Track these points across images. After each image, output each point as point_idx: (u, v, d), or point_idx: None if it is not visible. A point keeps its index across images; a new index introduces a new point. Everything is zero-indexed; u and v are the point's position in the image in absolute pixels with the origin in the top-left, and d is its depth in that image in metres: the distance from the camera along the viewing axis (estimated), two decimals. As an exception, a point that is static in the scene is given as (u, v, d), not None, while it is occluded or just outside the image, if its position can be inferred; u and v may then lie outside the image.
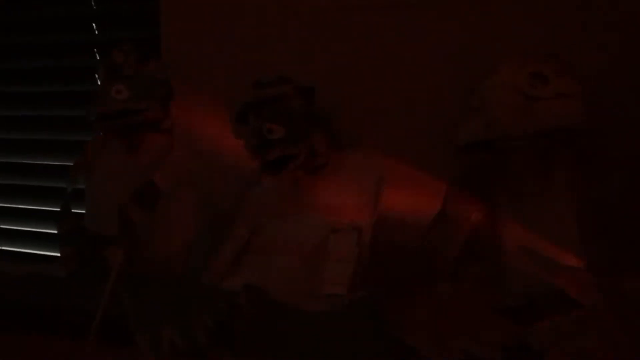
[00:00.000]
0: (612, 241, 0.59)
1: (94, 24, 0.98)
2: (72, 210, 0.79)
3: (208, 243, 0.74)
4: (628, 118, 0.66)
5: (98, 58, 0.99)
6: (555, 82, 0.59)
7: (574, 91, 0.59)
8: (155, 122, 0.77)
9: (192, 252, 0.75)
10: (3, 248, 1.13)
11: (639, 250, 0.61)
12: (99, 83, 0.80)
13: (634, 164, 0.65)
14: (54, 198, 1.04)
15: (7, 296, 0.76)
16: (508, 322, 0.57)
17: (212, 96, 0.84)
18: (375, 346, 0.57)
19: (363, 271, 0.63)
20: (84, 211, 0.82)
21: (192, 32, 0.86)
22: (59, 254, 0.77)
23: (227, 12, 0.83)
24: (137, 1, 0.94)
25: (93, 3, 0.98)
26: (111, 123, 0.74)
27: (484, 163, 0.66)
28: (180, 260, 0.74)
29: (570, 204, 0.61)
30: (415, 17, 0.74)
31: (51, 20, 1.02)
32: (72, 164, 0.82)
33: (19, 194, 1.11)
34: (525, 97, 0.59)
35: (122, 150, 0.79)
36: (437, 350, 0.55)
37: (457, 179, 0.68)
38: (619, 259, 0.59)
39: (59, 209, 0.80)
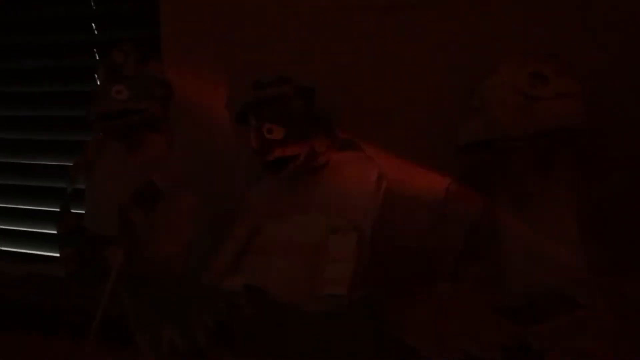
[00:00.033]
0: (612, 241, 0.59)
1: (93, 24, 0.98)
2: (72, 211, 0.79)
3: (208, 243, 0.74)
4: (628, 118, 0.66)
5: (97, 58, 0.99)
6: (555, 82, 0.59)
7: (574, 91, 0.59)
8: (155, 122, 0.77)
9: (192, 252, 0.75)
10: (3, 248, 1.13)
11: (639, 250, 0.61)
12: (99, 83, 0.80)
13: (634, 164, 0.65)
14: (53, 198, 1.04)
15: (7, 296, 0.75)
16: (508, 322, 0.56)
17: (212, 96, 0.85)
18: (375, 346, 0.57)
19: (363, 271, 0.63)
20: (83, 211, 0.82)
21: (192, 32, 0.86)
22: (58, 254, 0.77)
23: (227, 12, 0.83)
24: (137, 1, 0.94)
25: (92, 3, 0.97)
26: (111, 123, 0.74)
27: (484, 163, 0.66)
28: (180, 260, 0.74)
29: (570, 204, 0.61)
30: (415, 17, 0.74)
31: (51, 20, 1.02)
32: (71, 164, 0.82)
33: (17, 194, 1.11)
34: (525, 97, 0.59)
35: (122, 150, 0.79)
36: (437, 350, 0.55)
37: (457, 179, 0.68)
38: (619, 259, 0.59)
39: (58, 209, 0.80)
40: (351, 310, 0.60)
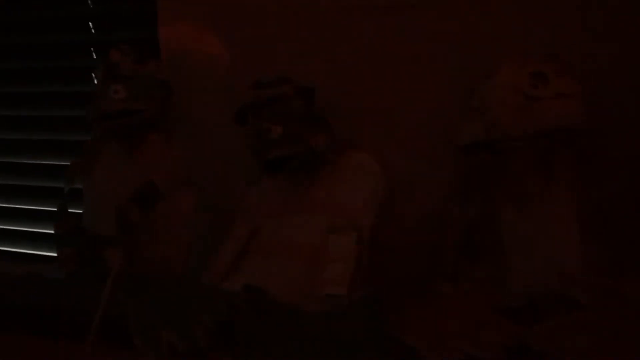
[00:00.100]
0: (612, 241, 0.59)
1: (90, 24, 0.98)
2: (70, 211, 0.79)
3: (208, 243, 0.74)
4: (628, 118, 0.66)
5: (95, 58, 0.98)
6: (556, 82, 0.59)
7: (574, 91, 0.59)
8: (155, 123, 0.77)
9: (191, 252, 0.75)
10: (2, 248, 1.13)
11: (639, 250, 0.61)
12: (96, 83, 0.79)
13: (634, 164, 0.65)
14: (52, 198, 1.04)
15: (7, 296, 0.75)
16: (508, 322, 0.56)
17: (212, 96, 0.85)
18: (375, 346, 0.57)
19: (363, 271, 0.63)
20: (82, 211, 0.82)
21: (192, 32, 0.86)
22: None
23: (227, 12, 0.83)
24: (135, 1, 0.94)
25: (90, 2, 0.97)
26: (110, 123, 0.74)
27: (484, 163, 0.66)
28: (180, 261, 0.74)
29: (570, 204, 0.61)
30: (415, 17, 0.74)
31: (48, 19, 1.02)
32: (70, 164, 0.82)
33: (16, 194, 1.11)
34: (525, 97, 0.59)
35: (121, 150, 0.79)
36: (437, 350, 0.55)
37: (457, 179, 0.68)
38: (619, 259, 0.59)
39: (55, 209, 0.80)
40: (351, 310, 0.60)
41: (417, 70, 0.75)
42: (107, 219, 0.72)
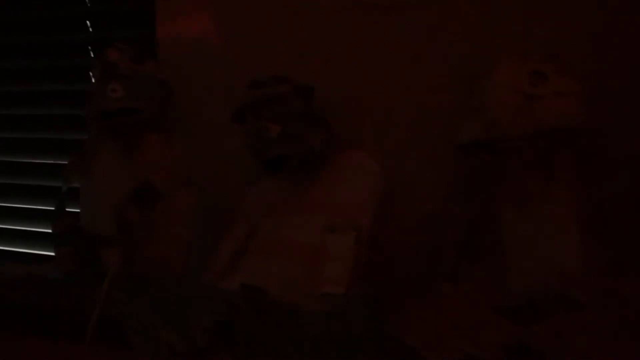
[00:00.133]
0: (612, 241, 0.59)
1: (88, 23, 0.98)
2: (68, 210, 0.79)
3: (208, 243, 0.74)
4: (628, 118, 0.67)
5: (93, 57, 0.98)
6: (555, 81, 0.59)
7: (573, 91, 0.59)
8: (154, 122, 0.77)
9: (191, 252, 0.75)
10: (2, 248, 1.12)
11: (639, 250, 0.61)
12: (93, 81, 0.79)
13: (634, 164, 0.65)
14: (49, 197, 1.04)
15: (6, 296, 0.75)
16: (508, 322, 0.56)
17: (212, 96, 0.85)
18: (375, 346, 0.57)
19: (363, 271, 0.63)
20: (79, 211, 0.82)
21: (191, 32, 0.86)
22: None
23: (227, 12, 0.83)
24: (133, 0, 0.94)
25: (88, 1, 0.97)
26: (108, 122, 0.74)
27: (484, 163, 0.66)
28: (179, 261, 0.74)
29: (570, 204, 0.61)
30: (415, 17, 0.74)
31: (45, 19, 1.02)
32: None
33: (13, 193, 1.10)
34: (525, 96, 0.59)
35: (119, 149, 0.78)
36: (437, 350, 0.55)
37: (457, 179, 0.68)
38: (619, 259, 0.59)
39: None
40: (351, 310, 0.60)
41: (417, 70, 0.75)
42: (106, 219, 0.72)
